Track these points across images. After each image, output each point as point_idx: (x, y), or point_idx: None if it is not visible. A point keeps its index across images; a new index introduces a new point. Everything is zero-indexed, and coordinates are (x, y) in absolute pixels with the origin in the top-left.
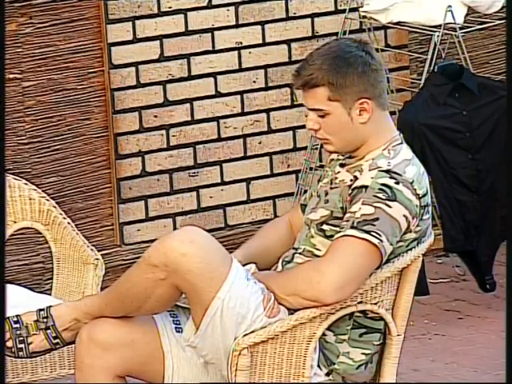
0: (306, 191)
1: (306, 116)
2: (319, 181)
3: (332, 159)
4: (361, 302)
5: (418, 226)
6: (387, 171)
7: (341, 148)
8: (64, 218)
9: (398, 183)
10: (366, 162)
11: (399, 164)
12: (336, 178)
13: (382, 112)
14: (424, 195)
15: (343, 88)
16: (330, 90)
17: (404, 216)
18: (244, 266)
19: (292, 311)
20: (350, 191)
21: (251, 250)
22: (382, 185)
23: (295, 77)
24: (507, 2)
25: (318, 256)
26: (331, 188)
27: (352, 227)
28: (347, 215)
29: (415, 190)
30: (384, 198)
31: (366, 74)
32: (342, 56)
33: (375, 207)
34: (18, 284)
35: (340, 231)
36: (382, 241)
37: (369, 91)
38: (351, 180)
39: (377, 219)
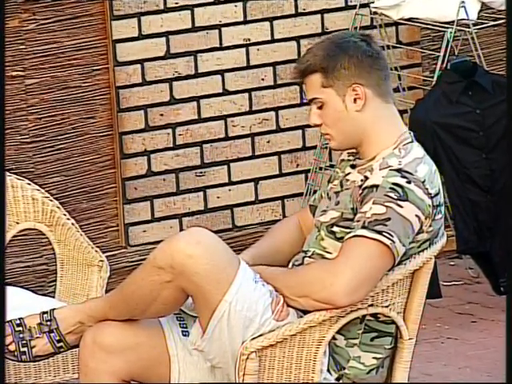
0: (315, 191)
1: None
2: (329, 181)
3: (342, 160)
4: (372, 305)
5: (430, 226)
6: (398, 170)
7: (342, 141)
8: (68, 219)
9: (409, 182)
10: (376, 163)
11: (410, 163)
12: (347, 179)
13: (385, 104)
14: (436, 194)
15: (334, 72)
16: (322, 76)
17: (416, 216)
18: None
19: (301, 313)
20: (360, 191)
21: (260, 251)
22: (394, 184)
23: (294, 68)
24: (507, 2)
25: (329, 259)
26: (342, 189)
27: (363, 227)
28: (358, 215)
29: (427, 189)
30: (395, 197)
31: (359, 58)
32: (335, 41)
33: (386, 207)
34: (21, 286)
35: (351, 232)
36: (393, 241)
37: (362, 77)
38: (361, 180)
39: (388, 219)
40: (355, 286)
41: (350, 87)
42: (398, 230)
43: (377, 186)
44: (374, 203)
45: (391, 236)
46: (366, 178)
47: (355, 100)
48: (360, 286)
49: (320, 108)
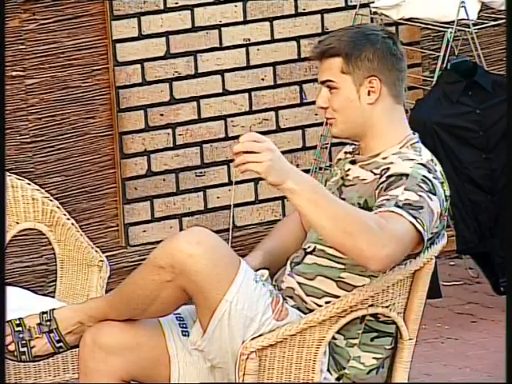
0: None
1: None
2: (327, 181)
3: (339, 159)
4: (372, 305)
5: (436, 227)
6: (424, 165)
7: (344, 129)
8: (68, 219)
9: (435, 178)
10: (382, 160)
11: (429, 161)
12: (348, 175)
13: (395, 105)
14: (449, 198)
15: (357, 61)
16: (344, 62)
17: (437, 213)
18: (257, 270)
19: (301, 313)
20: (384, 179)
21: (271, 253)
22: (424, 176)
23: (314, 47)
24: (507, 2)
25: (331, 254)
26: (345, 186)
27: (397, 206)
28: (386, 196)
29: (444, 190)
30: (427, 189)
31: (384, 54)
32: (363, 32)
33: (420, 196)
34: (21, 286)
35: (380, 206)
36: (425, 230)
37: (382, 73)
38: (374, 177)
39: (421, 207)
40: (391, 262)
41: (368, 79)
42: (428, 220)
43: (407, 175)
44: (405, 189)
45: (423, 224)
46: (388, 168)
47: (369, 93)
48: (393, 262)
49: (331, 90)
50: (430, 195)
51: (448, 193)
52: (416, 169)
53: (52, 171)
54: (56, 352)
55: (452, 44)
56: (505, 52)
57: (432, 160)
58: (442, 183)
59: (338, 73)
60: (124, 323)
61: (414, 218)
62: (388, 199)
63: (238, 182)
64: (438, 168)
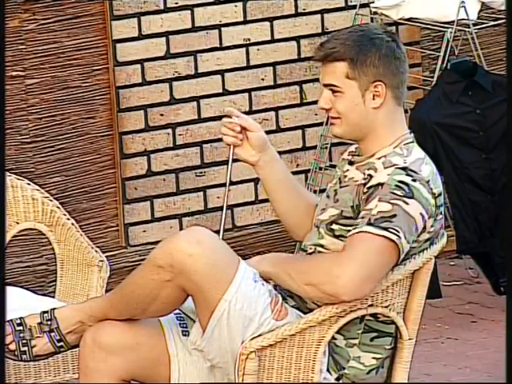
0: (315, 191)
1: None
2: (330, 182)
3: (343, 159)
4: (371, 305)
5: (432, 226)
6: (404, 168)
7: (347, 130)
8: (68, 219)
9: (414, 181)
10: (377, 160)
11: (414, 162)
12: (345, 176)
13: (397, 107)
14: (439, 194)
15: (363, 67)
16: (349, 67)
17: (421, 214)
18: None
19: (301, 313)
20: (365, 190)
21: (290, 180)
22: (399, 182)
23: (317, 49)
24: (507, 2)
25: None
26: (341, 187)
27: (369, 224)
28: (363, 212)
29: (431, 189)
30: (401, 194)
31: (389, 58)
32: (368, 36)
33: (392, 204)
34: (21, 286)
35: (355, 228)
36: (399, 237)
37: (387, 77)
38: (364, 179)
39: (394, 216)
40: (361, 281)
41: (373, 84)
42: (404, 226)
43: (382, 184)
44: (379, 201)
45: (397, 232)
46: (370, 176)
47: (374, 97)
48: (366, 281)
49: (334, 92)
50: (406, 199)
51: (437, 190)
52: (393, 175)
53: (52, 171)
54: (57, 351)
55: (452, 44)
56: (505, 52)
57: (423, 159)
58: (427, 182)
59: (343, 78)
60: (124, 323)
61: (385, 229)
62: (363, 217)
63: (238, 182)
64: (428, 167)
